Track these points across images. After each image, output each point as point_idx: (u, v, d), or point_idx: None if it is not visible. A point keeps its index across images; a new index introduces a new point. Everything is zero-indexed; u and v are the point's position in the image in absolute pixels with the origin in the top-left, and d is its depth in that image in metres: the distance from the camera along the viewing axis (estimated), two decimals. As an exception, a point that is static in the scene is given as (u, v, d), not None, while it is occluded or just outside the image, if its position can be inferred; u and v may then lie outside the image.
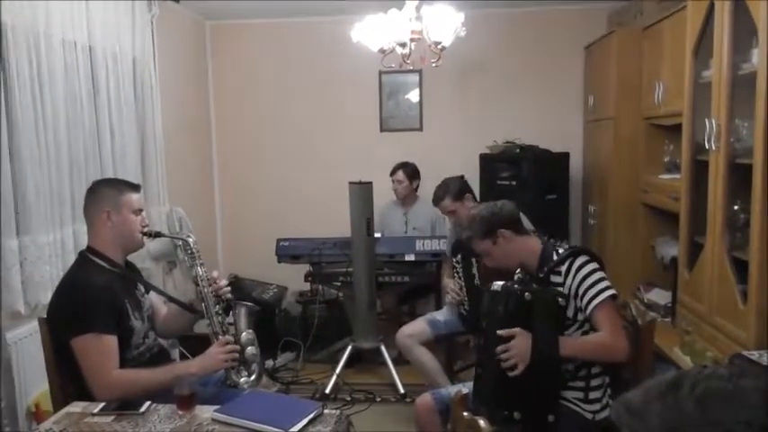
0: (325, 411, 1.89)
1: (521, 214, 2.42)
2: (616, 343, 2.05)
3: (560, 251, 2.23)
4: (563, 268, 2.15)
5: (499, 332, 2.07)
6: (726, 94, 2.49)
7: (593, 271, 2.12)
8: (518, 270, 2.38)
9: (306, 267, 4.28)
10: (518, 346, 2.04)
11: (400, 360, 3.82)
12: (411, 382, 3.75)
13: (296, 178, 5.30)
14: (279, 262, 4.27)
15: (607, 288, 2.09)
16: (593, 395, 2.13)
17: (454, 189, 3.39)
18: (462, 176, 3.57)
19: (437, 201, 3.46)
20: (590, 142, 4.78)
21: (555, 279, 2.17)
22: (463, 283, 3.31)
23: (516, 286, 2.16)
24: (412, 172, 4.53)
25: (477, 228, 2.32)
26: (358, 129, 5.21)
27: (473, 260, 3.23)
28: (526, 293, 2.09)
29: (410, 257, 4.13)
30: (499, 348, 2.06)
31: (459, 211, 3.39)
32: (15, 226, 2.69)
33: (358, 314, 4.03)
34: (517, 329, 2.06)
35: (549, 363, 2.05)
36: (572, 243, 2.41)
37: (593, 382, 2.15)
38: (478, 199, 4.62)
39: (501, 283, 2.17)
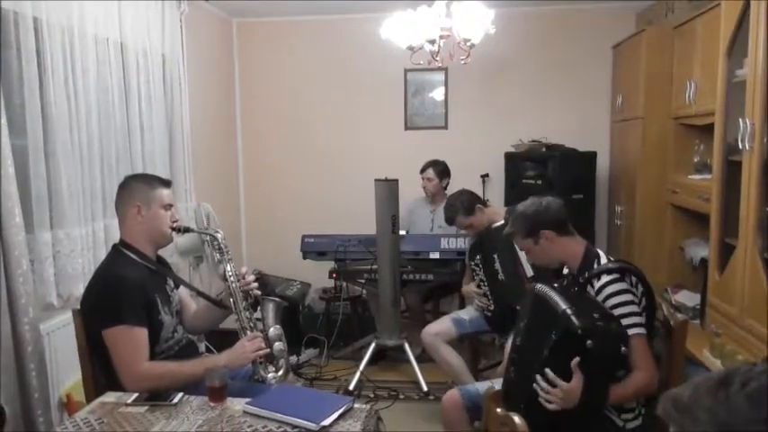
0: (356, 406, 1.89)
1: None
2: (652, 382, 1.98)
3: (602, 259, 2.17)
4: (598, 283, 2.07)
5: (552, 378, 1.89)
6: (761, 93, 2.44)
7: (626, 303, 2.01)
8: (565, 269, 2.34)
9: (330, 264, 4.30)
10: (567, 392, 1.88)
11: (424, 358, 3.83)
12: (434, 379, 3.76)
13: (321, 175, 5.33)
14: (304, 258, 4.29)
15: (637, 325, 1.99)
16: (628, 404, 2.08)
17: (463, 206, 3.35)
18: (465, 190, 3.51)
19: (450, 221, 3.44)
20: (617, 142, 4.74)
21: (590, 289, 2.12)
22: (486, 286, 3.29)
23: (578, 323, 1.86)
24: (442, 170, 4.53)
25: (519, 225, 2.28)
26: (383, 126, 5.23)
27: (495, 256, 3.22)
28: (588, 341, 1.84)
29: (435, 255, 4.12)
30: (545, 387, 1.91)
31: (473, 224, 3.37)
32: (49, 219, 2.74)
33: (382, 311, 4.04)
34: (575, 382, 1.88)
35: (592, 411, 1.95)
36: (598, 244, 2.31)
37: None
38: (503, 198, 4.65)
39: (565, 305, 1.92)
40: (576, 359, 1.86)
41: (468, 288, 3.50)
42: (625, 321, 1.98)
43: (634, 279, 2.10)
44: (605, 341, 1.89)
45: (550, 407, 1.89)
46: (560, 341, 1.89)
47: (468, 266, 3.59)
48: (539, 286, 2.10)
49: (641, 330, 1.99)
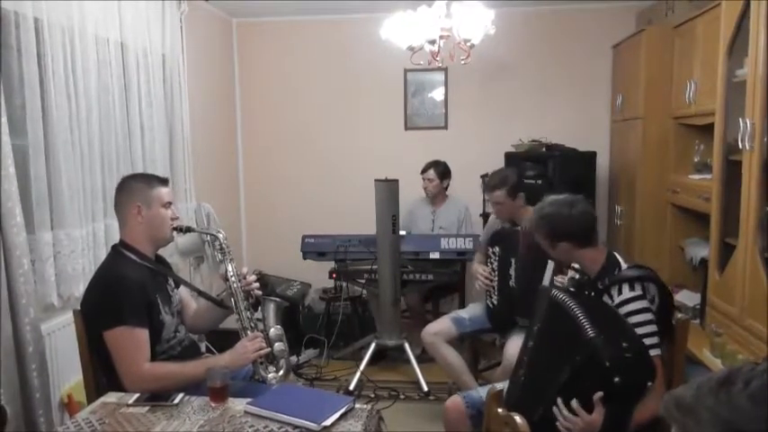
0: (357, 406, 1.89)
1: None
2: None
3: (623, 266, 2.14)
4: (618, 297, 2.03)
5: (576, 409, 1.84)
6: (761, 93, 2.45)
7: (646, 323, 1.97)
8: (576, 266, 2.32)
9: (330, 264, 4.30)
10: (589, 424, 1.82)
11: (424, 358, 3.83)
12: (435, 380, 3.76)
13: (320, 175, 5.33)
14: (304, 258, 4.29)
15: (654, 346, 1.96)
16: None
17: (512, 184, 3.26)
18: (517, 173, 3.46)
19: (490, 188, 3.32)
20: (617, 142, 4.74)
21: (606, 299, 2.08)
22: (496, 278, 3.28)
23: (606, 356, 1.78)
24: (443, 171, 4.53)
25: (542, 226, 2.23)
26: (383, 127, 5.23)
27: (512, 260, 3.19)
28: (616, 378, 1.77)
29: (435, 255, 4.12)
30: (566, 415, 1.86)
31: (506, 207, 3.29)
32: (50, 219, 2.74)
33: (382, 311, 4.04)
34: (597, 415, 1.83)
35: None
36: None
37: None
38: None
39: (592, 331, 1.83)
40: (600, 394, 1.81)
41: (476, 267, 3.46)
42: (648, 340, 1.94)
43: (651, 288, 2.06)
44: (633, 377, 1.82)
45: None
46: (585, 368, 1.83)
47: (482, 247, 3.56)
48: (554, 293, 2.06)
49: (658, 351, 1.97)
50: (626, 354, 1.81)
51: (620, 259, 2.19)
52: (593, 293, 2.13)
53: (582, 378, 1.84)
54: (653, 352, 1.93)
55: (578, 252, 2.20)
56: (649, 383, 1.85)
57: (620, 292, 2.03)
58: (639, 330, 1.95)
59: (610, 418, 1.83)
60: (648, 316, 1.99)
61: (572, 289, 2.23)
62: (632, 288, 2.03)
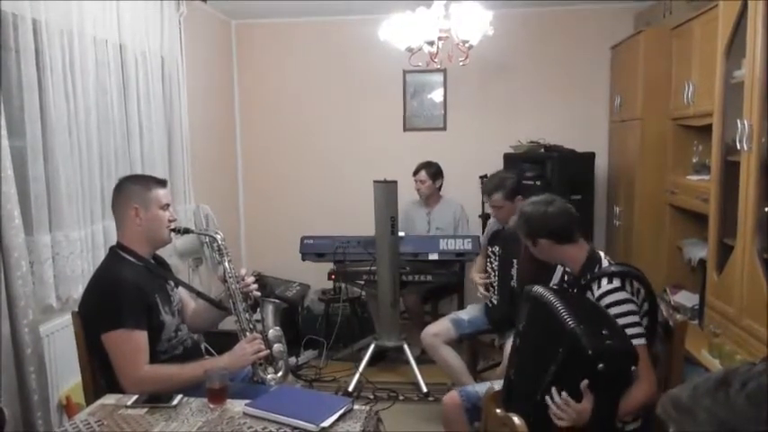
0: (355, 407, 1.89)
1: None
2: (654, 392, 1.94)
3: (604, 262, 2.18)
4: (598, 290, 2.06)
5: (565, 399, 1.87)
6: (759, 94, 2.45)
7: (628, 313, 1.99)
8: (564, 269, 2.37)
9: (329, 265, 4.29)
10: (579, 413, 1.85)
11: (423, 359, 3.83)
12: (434, 381, 3.76)
13: (319, 177, 5.34)
14: (303, 260, 4.28)
15: (638, 335, 1.97)
16: None
17: (510, 187, 3.29)
18: (516, 175, 3.48)
19: (488, 192, 3.35)
20: (616, 143, 4.75)
21: (589, 294, 2.11)
22: (495, 277, 3.28)
23: (588, 345, 1.80)
24: (435, 172, 4.52)
25: (522, 225, 2.33)
26: (382, 128, 5.23)
27: (514, 261, 3.18)
28: (600, 365, 1.80)
29: (434, 257, 4.11)
30: (558, 403, 1.88)
31: (505, 209, 3.29)
32: (48, 221, 2.73)
33: (381, 313, 4.04)
34: (586, 403, 1.85)
35: (602, 427, 1.91)
36: (596, 245, 2.31)
37: None
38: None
39: (573, 322, 1.86)
40: (586, 382, 1.83)
41: (474, 276, 3.47)
42: (632, 330, 1.96)
43: (635, 284, 2.08)
44: (616, 363, 1.85)
45: (561, 423, 1.88)
46: (568, 359, 1.86)
47: (483, 247, 3.55)
48: (535, 289, 2.09)
49: (642, 341, 1.98)
50: (607, 341, 1.83)
51: (603, 256, 2.22)
52: (575, 290, 2.17)
53: (568, 369, 1.87)
54: (636, 341, 1.95)
55: (558, 249, 2.26)
56: (633, 368, 1.88)
57: (599, 286, 2.07)
58: (621, 321, 1.97)
59: (598, 406, 1.85)
60: (629, 306, 2.01)
61: (555, 286, 2.25)
62: (610, 281, 2.06)
